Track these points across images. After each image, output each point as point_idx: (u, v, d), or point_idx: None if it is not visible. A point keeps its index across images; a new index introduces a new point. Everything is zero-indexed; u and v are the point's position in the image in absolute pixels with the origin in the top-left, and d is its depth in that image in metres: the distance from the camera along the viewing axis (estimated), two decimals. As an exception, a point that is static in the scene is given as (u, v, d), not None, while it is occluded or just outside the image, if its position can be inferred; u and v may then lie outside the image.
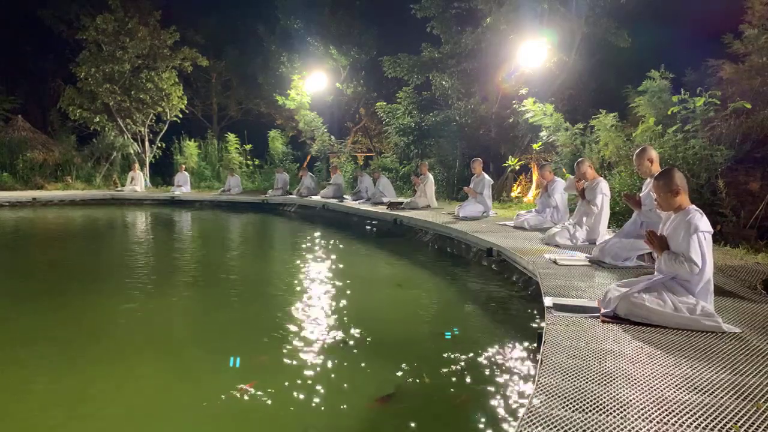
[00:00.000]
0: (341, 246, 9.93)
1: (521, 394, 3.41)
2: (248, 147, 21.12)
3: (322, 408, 3.30)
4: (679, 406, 2.31)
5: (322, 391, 3.51)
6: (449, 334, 4.71)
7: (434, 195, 11.89)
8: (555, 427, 2.14)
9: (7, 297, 6.03)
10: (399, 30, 18.46)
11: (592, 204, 6.42)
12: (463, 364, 4.03)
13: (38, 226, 12.94)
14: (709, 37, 10.46)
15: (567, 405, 2.32)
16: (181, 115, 21.21)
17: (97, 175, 20.27)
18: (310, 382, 3.65)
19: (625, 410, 2.28)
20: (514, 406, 3.27)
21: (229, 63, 24.23)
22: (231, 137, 21.03)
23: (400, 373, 3.86)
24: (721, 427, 2.14)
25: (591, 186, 6.50)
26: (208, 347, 4.48)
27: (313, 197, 14.89)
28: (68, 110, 19.72)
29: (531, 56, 12.53)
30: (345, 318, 5.10)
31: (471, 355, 4.18)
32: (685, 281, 3.42)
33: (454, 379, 3.78)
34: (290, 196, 15.82)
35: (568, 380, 2.57)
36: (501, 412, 3.22)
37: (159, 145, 21.59)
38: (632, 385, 2.52)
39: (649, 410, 2.27)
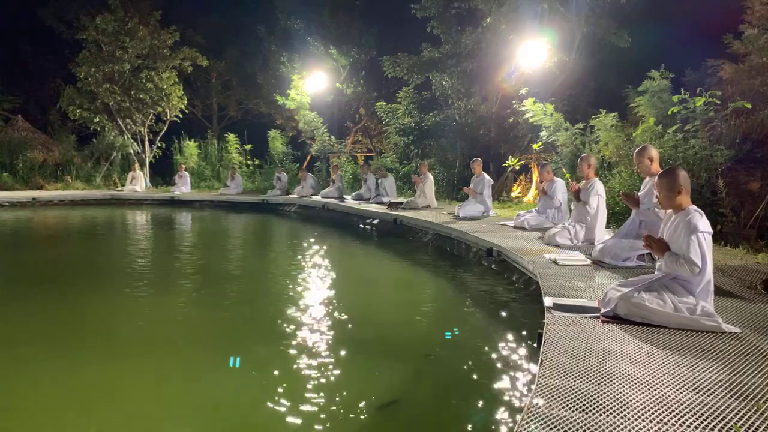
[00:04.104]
0: (341, 246, 9.93)
1: (521, 394, 3.41)
2: (248, 147, 21.11)
3: (323, 410, 3.30)
4: (679, 406, 2.31)
5: (322, 393, 3.51)
6: (449, 334, 4.71)
7: (434, 195, 11.89)
8: (555, 427, 2.14)
9: (7, 297, 6.03)
10: (399, 30, 18.45)
11: (587, 205, 6.43)
12: (462, 364, 4.03)
13: (38, 226, 12.95)
14: (709, 37, 10.46)
15: (567, 405, 2.32)
16: (181, 115, 21.21)
17: (97, 175, 20.26)
18: (310, 383, 3.64)
19: (625, 410, 2.28)
20: (514, 406, 3.27)
21: (229, 63, 24.22)
22: (231, 137, 21.02)
23: (399, 374, 3.86)
24: (721, 427, 2.14)
25: (585, 187, 6.51)
26: (209, 347, 4.48)
27: (314, 197, 14.90)
28: (68, 110, 19.71)
29: (531, 56, 12.53)
30: (345, 318, 5.10)
31: (471, 355, 4.19)
32: (685, 281, 3.42)
33: (453, 379, 3.78)
34: (290, 196, 15.82)
35: (568, 380, 2.57)
36: (501, 412, 3.22)
37: (159, 145, 21.58)
38: (632, 385, 2.52)
39: (649, 410, 2.28)
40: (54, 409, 3.40)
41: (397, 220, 10.49)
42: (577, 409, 2.28)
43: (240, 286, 6.79)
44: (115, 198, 17.72)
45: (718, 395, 2.43)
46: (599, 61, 13.68)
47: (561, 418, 2.20)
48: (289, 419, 3.18)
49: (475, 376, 3.78)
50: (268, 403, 3.43)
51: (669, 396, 2.41)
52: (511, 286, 6.11)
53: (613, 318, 3.50)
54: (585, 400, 2.36)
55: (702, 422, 2.18)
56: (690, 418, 2.22)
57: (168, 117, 20.82)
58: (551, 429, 2.12)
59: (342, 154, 19.45)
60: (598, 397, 2.40)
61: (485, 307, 5.63)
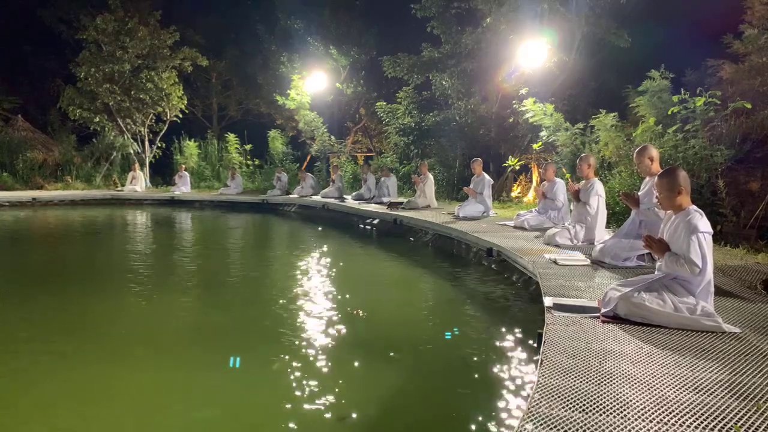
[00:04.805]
0: (341, 246, 9.93)
1: (521, 394, 3.41)
2: (248, 147, 21.11)
3: (322, 410, 3.30)
4: (679, 406, 2.31)
5: (321, 393, 3.51)
6: (449, 334, 4.71)
7: (434, 195, 11.90)
8: (555, 427, 2.14)
9: (8, 297, 6.03)
10: (399, 30, 18.44)
11: (587, 206, 6.43)
12: (463, 364, 4.03)
13: (38, 226, 12.94)
14: (709, 37, 10.46)
15: (567, 405, 2.32)
16: (181, 115, 21.19)
17: (97, 175, 20.25)
18: (309, 383, 3.64)
19: (625, 410, 2.28)
20: (514, 406, 3.28)
21: (229, 63, 24.21)
22: (231, 137, 21.01)
23: (400, 374, 3.86)
24: (721, 427, 2.14)
25: (585, 188, 6.51)
26: (209, 347, 4.48)
27: (314, 197, 14.91)
28: (68, 110, 19.71)
29: (531, 56, 12.53)
30: (345, 318, 5.10)
31: (471, 355, 4.19)
32: (685, 281, 3.42)
33: (454, 379, 3.79)
34: (290, 196, 15.82)
35: (568, 380, 2.57)
36: (501, 412, 3.22)
37: (159, 145, 21.57)
38: (632, 385, 2.52)
39: (649, 410, 2.28)
40: (54, 408, 3.40)
41: (397, 220, 10.49)
42: (577, 409, 2.28)
43: (240, 286, 6.79)
44: (115, 198, 17.72)
45: (718, 395, 2.43)
46: (599, 61, 13.67)
47: (561, 418, 2.20)
48: (289, 419, 3.18)
49: (475, 376, 3.78)
50: (268, 403, 3.43)
51: (669, 396, 2.41)
52: (511, 286, 6.11)
53: (613, 318, 3.50)
54: (585, 400, 2.36)
55: (702, 422, 2.18)
56: (690, 418, 2.22)
57: (168, 117, 20.81)
58: (551, 429, 2.12)
59: (342, 154, 19.45)
60: (598, 397, 2.40)
61: (485, 307, 5.63)
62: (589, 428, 2.13)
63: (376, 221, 11.29)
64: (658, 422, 2.18)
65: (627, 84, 10.86)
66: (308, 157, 20.47)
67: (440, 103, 16.11)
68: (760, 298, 4.08)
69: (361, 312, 5.23)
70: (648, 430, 2.13)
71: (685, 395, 2.42)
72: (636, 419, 2.20)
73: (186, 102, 21.08)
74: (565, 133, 10.84)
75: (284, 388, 3.59)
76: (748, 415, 2.25)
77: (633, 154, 5.57)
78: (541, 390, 2.45)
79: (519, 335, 4.50)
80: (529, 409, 2.27)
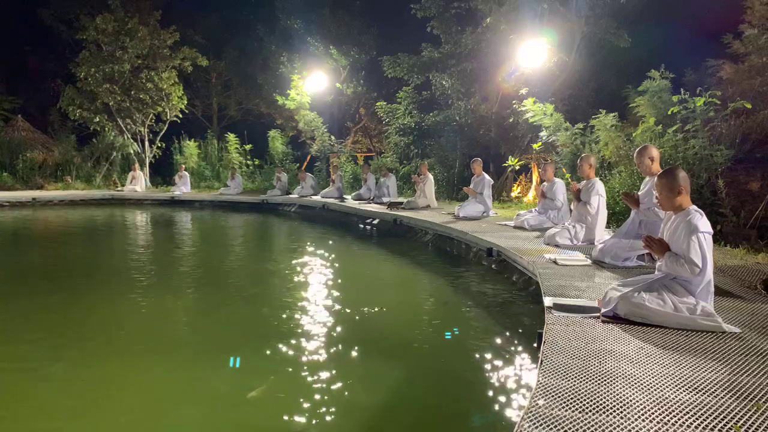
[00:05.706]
0: (341, 246, 9.93)
1: (521, 394, 3.41)
2: (248, 147, 21.11)
3: (322, 410, 3.30)
4: (679, 406, 2.31)
5: (321, 393, 3.51)
6: (449, 334, 4.71)
7: (434, 195, 11.90)
8: (555, 427, 2.14)
9: (8, 297, 6.03)
10: (399, 30, 18.45)
11: (588, 205, 6.42)
12: (463, 364, 4.03)
13: (38, 226, 12.94)
14: (709, 37, 10.45)
15: (567, 405, 2.32)
16: (181, 115, 21.19)
17: (97, 175, 20.26)
18: (309, 383, 3.64)
19: (625, 410, 2.28)
20: (514, 406, 3.28)
21: (229, 63, 24.20)
22: (231, 137, 21.02)
23: (400, 374, 3.86)
24: (721, 427, 2.14)
25: (586, 187, 6.50)
26: (209, 347, 4.48)
27: (313, 197, 14.92)
28: (68, 110, 19.71)
29: (531, 56, 12.52)
30: (344, 319, 5.10)
31: (471, 355, 4.19)
32: (685, 282, 3.42)
33: (453, 379, 3.79)
34: (290, 196, 15.82)
35: (568, 380, 2.57)
36: (501, 412, 3.22)
37: (159, 145, 21.58)
38: (632, 385, 2.52)
39: (649, 410, 2.28)
40: (54, 407, 3.39)
41: (397, 220, 10.49)
42: (577, 409, 2.28)
43: (240, 287, 6.79)
44: (115, 198, 17.72)
45: (718, 395, 2.43)
46: (599, 61, 13.66)
47: (561, 418, 2.20)
48: (289, 419, 3.18)
49: (475, 376, 3.78)
50: (268, 403, 3.43)
51: (669, 396, 2.41)
52: (511, 286, 6.11)
53: (613, 318, 3.50)
54: (585, 400, 2.36)
55: (702, 422, 2.18)
56: (690, 418, 2.22)
57: (168, 117, 20.81)
58: (551, 429, 2.12)
59: (342, 154, 19.46)
60: (598, 397, 2.40)
61: (485, 307, 5.63)
62: (589, 428, 2.13)
63: (376, 221, 11.29)
64: (658, 422, 2.18)
65: (627, 84, 10.85)
66: (308, 157, 20.46)
67: (440, 103, 16.11)
68: (760, 298, 4.08)
69: (377, 309, 5.23)
70: (648, 430, 2.13)
71: (685, 395, 2.42)
72: (636, 419, 2.20)
73: (186, 102, 21.08)
74: (565, 133, 10.84)
75: (283, 388, 3.59)
76: (748, 415, 2.25)
77: (633, 154, 5.56)
78: (541, 390, 2.45)
79: (519, 335, 4.50)
80: (529, 408, 2.27)
